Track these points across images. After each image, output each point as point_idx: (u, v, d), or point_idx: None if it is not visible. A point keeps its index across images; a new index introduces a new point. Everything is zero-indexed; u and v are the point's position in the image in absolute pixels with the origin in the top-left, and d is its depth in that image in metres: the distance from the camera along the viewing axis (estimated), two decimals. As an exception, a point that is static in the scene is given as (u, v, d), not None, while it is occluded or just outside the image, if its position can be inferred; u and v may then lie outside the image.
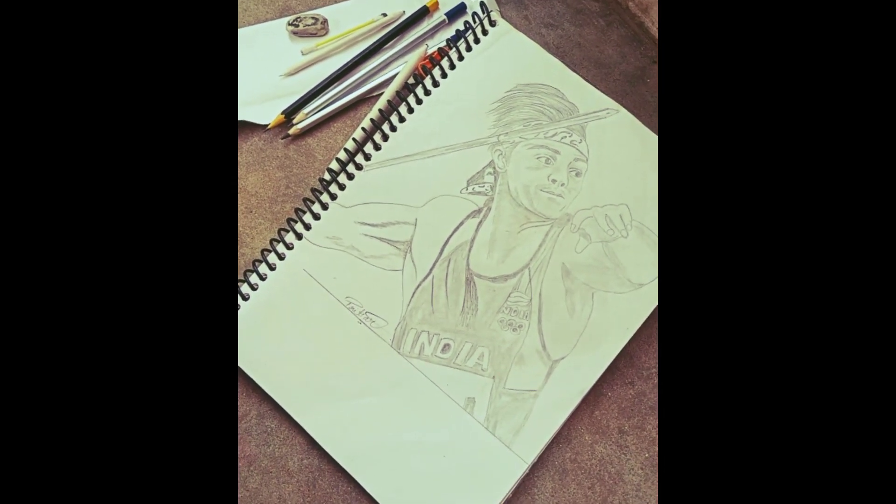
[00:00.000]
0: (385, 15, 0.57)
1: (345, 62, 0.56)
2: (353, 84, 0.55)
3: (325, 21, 0.57)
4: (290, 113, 0.54)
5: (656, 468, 0.46)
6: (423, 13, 0.57)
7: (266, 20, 0.58)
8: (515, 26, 0.55)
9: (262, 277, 0.48)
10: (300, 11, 0.58)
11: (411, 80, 0.54)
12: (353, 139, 0.52)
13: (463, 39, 0.53)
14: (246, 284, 0.48)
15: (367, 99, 0.55)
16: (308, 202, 0.50)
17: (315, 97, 0.54)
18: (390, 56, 0.56)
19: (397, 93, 0.53)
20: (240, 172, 0.53)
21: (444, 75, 0.52)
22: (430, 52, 0.56)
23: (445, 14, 0.57)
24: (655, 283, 0.48)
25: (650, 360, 0.49)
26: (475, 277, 0.48)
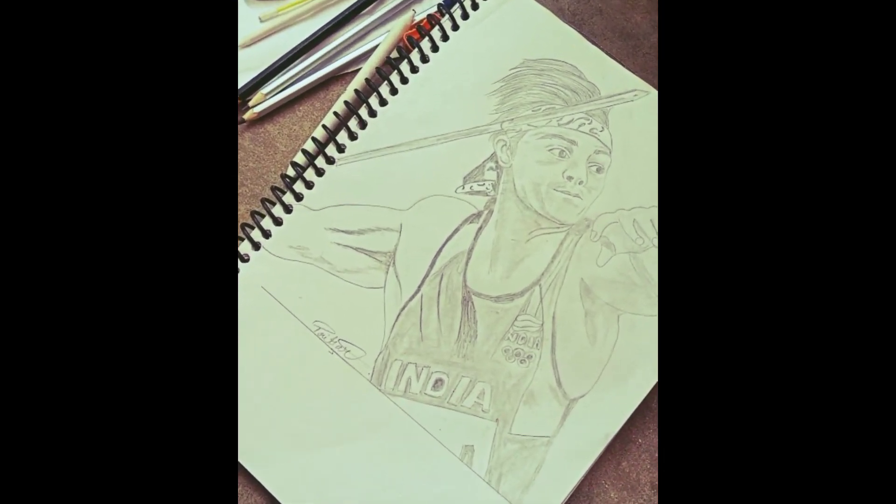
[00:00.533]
0: (363, -25, 0.53)
1: (312, 31, 0.51)
2: (323, 58, 0.51)
3: (289, -18, 0.52)
4: (246, 93, 0.50)
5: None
6: (409, -27, 0.53)
7: (218, -18, 0.52)
8: (521, -11, 0.50)
9: (210, 297, 0.43)
10: (259, -29, 0.53)
11: (394, 55, 0.50)
12: (323, 126, 0.48)
13: (458, 4, 0.49)
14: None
15: (339, 77, 0.51)
16: (267, 204, 0.46)
17: (276, 74, 0.50)
18: (369, 24, 0.52)
19: (377, 69, 0.49)
20: (184, 166, 0.47)
21: (434, 48, 0.48)
22: (417, 19, 0.51)
23: (436, -26, 0.53)
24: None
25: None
26: (474, 296, 0.45)
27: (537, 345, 0.44)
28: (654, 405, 0.44)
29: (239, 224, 0.46)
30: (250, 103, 0.49)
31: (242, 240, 0.45)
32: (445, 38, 0.48)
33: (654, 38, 0.51)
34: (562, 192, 0.46)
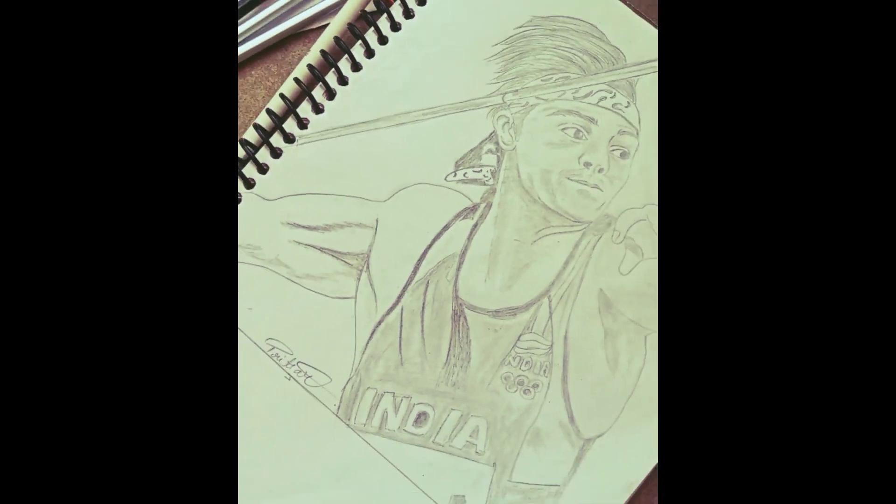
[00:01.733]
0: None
1: None
2: (282, 10, 0.45)
3: (243, -80, 0.46)
4: None
5: None
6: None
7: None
8: (527, -70, 0.45)
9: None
10: None
11: (371, 7, 0.44)
12: (281, 95, 0.43)
13: None
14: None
15: (301, 34, 0.46)
16: None
17: None
18: None
19: (349, 26, 0.44)
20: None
21: (421, 1, 0.43)
22: None
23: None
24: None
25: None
26: (467, 310, 0.41)
27: (545, 371, 0.41)
28: None
29: None
30: None
31: None
32: None
33: None
34: (577, 181, 0.42)
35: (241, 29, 0.44)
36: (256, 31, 0.45)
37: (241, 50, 0.43)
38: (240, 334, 0.40)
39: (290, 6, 0.45)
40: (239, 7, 0.44)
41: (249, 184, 0.41)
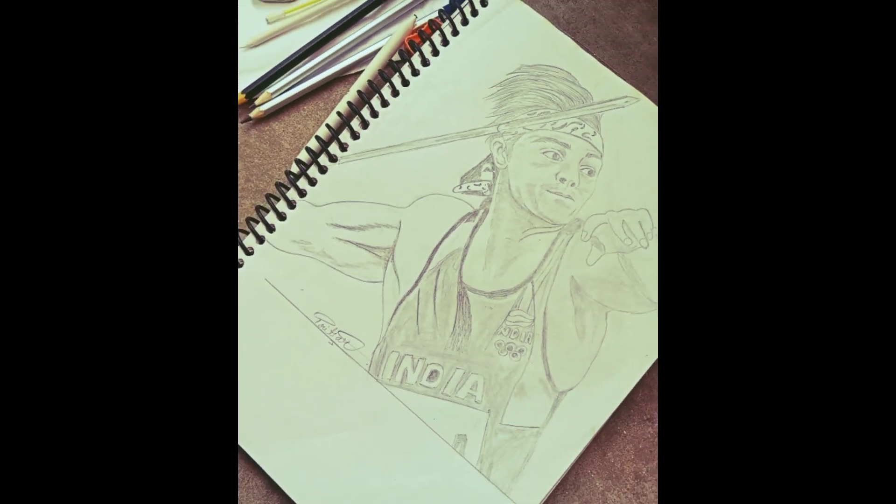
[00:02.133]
0: (366, -20, 0.53)
1: (318, 33, 0.52)
2: (328, 60, 0.51)
3: (295, -15, 0.53)
4: (252, 92, 0.50)
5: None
6: (411, -21, 0.53)
7: (226, -17, 0.53)
8: (519, -3, 0.51)
9: (215, 288, 0.44)
10: (266, -26, 0.54)
11: (396, 58, 0.50)
12: (327, 125, 0.48)
13: (458, 10, 0.49)
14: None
15: (343, 78, 0.52)
16: (272, 199, 0.46)
17: (282, 74, 0.51)
18: (372, 28, 0.52)
19: (379, 72, 0.49)
20: (191, 162, 0.48)
21: (435, 52, 0.49)
22: (419, 24, 0.52)
23: (437, -19, 0.53)
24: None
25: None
26: (468, 292, 0.45)
27: (529, 339, 0.45)
28: (639, 399, 0.45)
29: (244, 219, 0.46)
30: (256, 102, 0.50)
31: (247, 234, 0.46)
32: (446, 42, 0.49)
33: (645, 47, 0.52)
34: (554, 193, 0.47)
35: (296, 73, 0.50)
36: (308, 76, 0.51)
37: (296, 90, 0.50)
38: (293, 309, 0.44)
39: (335, 56, 0.51)
40: (296, 55, 0.51)
41: (302, 193, 0.46)
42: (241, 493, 0.43)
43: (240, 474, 0.43)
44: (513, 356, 0.44)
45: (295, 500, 0.42)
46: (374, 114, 0.47)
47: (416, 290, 0.45)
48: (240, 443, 0.43)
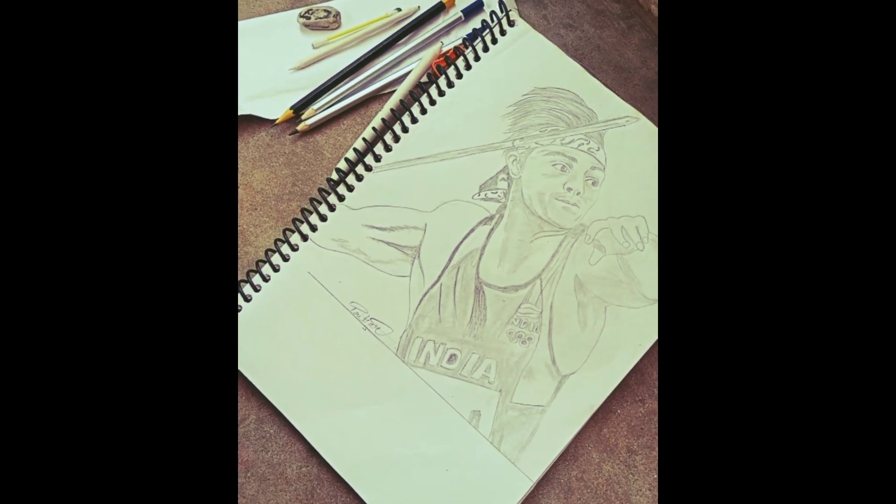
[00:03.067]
0: (399, 10, 0.57)
1: (356, 57, 0.56)
2: (365, 80, 0.55)
3: (337, 14, 0.57)
4: (299, 108, 0.54)
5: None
6: (440, 9, 0.57)
7: (277, 11, 0.58)
8: (533, 26, 0.54)
9: (266, 279, 0.49)
10: (312, 3, 0.58)
11: (425, 79, 0.54)
12: (363, 139, 0.52)
13: (480, 38, 0.53)
14: (249, 285, 0.49)
15: (378, 97, 0.55)
16: (315, 202, 0.50)
17: (325, 93, 0.55)
18: (404, 53, 0.56)
19: (410, 92, 0.53)
20: (246, 168, 0.53)
21: (459, 75, 0.52)
22: (445, 50, 0.56)
23: (462, 11, 0.57)
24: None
25: (662, 378, 0.48)
26: (484, 286, 0.48)
27: (536, 329, 0.47)
28: (632, 383, 0.48)
29: (291, 219, 0.50)
30: (303, 116, 0.54)
31: (293, 232, 0.49)
32: (468, 67, 0.52)
33: (644, 72, 0.55)
34: (562, 201, 0.50)
35: (337, 92, 0.54)
36: (348, 94, 0.55)
37: (337, 107, 0.54)
38: (332, 298, 0.47)
39: (371, 78, 0.55)
40: (338, 76, 0.54)
41: (341, 198, 0.49)
42: (282, 457, 0.46)
43: (282, 439, 0.46)
44: (522, 343, 0.47)
45: (331, 463, 0.45)
46: (405, 129, 0.51)
47: (438, 284, 0.48)
48: (283, 412, 0.46)
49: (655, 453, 0.47)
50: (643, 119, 0.52)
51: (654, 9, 0.55)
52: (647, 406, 0.48)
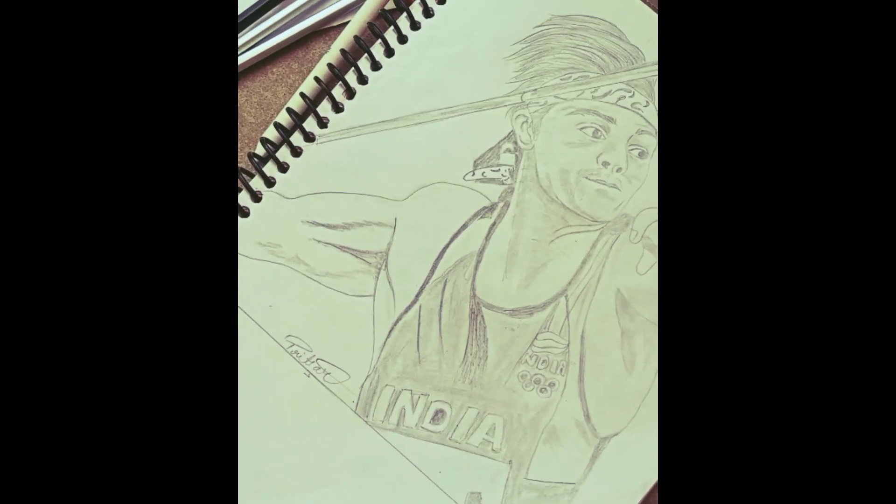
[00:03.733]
0: None
1: None
2: (301, 9, 0.46)
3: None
4: None
5: None
6: None
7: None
8: (546, -72, 0.47)
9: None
10: None
11: (391, 5, 0.45)
12: (301, 94, 0.44)
13: None
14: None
15: (322, 32, 0.47)
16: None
17: (244, 28, 0.46)
18: None
19: (369, 25, 0.45)
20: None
21: (440, 0, 0.44)
22: None
23: None
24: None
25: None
26: (484, 309, 0.42)
27: (562, 370, 0.42)
28: None
29: None
30: None
31: None
32: None
33: None
34: (595, 181, 0.43)
35: (262, 27, 0.45)
36: (278, 29, 0.45)
37: (263, 47, 0.45)
38: (260, 331, 0.41)
39: (311, 4, 0.46)
40: (261, 3, 0.45)
41: (270, 182, 0.42)
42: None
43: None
44: (541, 392, 0.41)
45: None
46: (363, 79, 0.44)
47: (416, 307, 0.42)
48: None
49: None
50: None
51: None
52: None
